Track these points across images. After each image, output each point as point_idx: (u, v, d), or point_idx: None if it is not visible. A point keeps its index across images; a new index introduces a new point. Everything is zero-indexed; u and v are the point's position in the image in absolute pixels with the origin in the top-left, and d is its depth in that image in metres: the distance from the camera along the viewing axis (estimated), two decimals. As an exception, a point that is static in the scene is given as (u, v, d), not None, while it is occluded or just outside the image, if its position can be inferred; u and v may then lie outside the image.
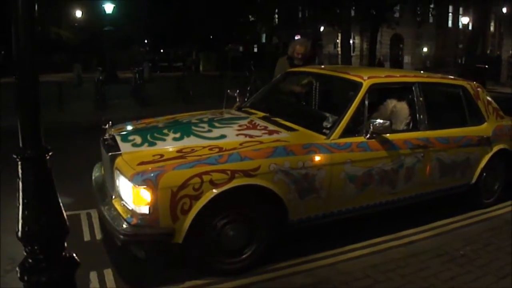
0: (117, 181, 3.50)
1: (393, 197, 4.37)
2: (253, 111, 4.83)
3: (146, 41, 38.81)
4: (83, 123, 10.35)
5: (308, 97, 5.16)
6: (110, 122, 4.26)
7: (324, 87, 4.99)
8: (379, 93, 4.89)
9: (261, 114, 4.65)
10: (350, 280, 3.48)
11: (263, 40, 42.40)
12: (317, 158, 3.77)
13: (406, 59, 35.19)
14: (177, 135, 3.95)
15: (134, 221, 3.24)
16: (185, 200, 3.23)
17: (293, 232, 3.88)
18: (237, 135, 3.90)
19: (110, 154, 3.70)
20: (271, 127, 4.15)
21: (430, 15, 35.55)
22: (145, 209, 3.20)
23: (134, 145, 3.80)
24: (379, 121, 3.97)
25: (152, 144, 3.78)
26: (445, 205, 5.12)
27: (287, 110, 4.80)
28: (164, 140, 3.86)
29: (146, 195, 3.17)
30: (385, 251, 4.01)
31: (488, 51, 35.98)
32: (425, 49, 37.00)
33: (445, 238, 4.32)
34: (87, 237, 4.31)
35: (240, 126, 4.17)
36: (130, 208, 3.32)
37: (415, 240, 4.27)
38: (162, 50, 37.24)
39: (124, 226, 3.25)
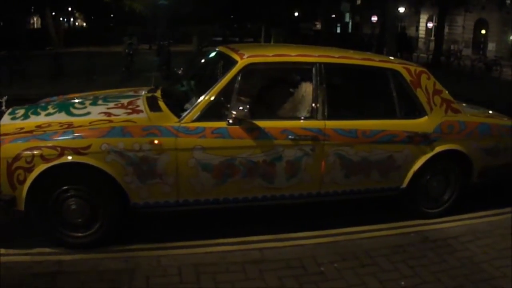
0: None
1: (275, 193, 3.82)
2: (157, 90, 4.57)
3: (231, 16, 38.89)
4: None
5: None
6: (6, 97, 4.43)
7: (222, 66, 4.44)
8: (294, 74, 4.25)
9: (155, 94, 4.37)
10: (154, 275, 3.18)
11: (346, 20, 40.83)
12: (157, 141, 3.46)
13: (490, 46, 31.19)
14: (53, 111, 4.00)
15: None
16: (19, 171, 3.34)
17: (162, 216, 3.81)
18: (100, 113, 3.81)
19: None
20: (141, 107, 3.94)
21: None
22: None
23: (13, 118, 3.92)
24: (237, 105, 3.47)
25: (26, 118, 3.89)
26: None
27: (177, 91, 4.45)
28: (39, 115, 3.92)
29: None
30: (232, 252, 3.54)
31: None
32: (512, 37, 32.21)
33: (326, 248, 3.68)
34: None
35: (115, 104, 4.06)
36: None
37: (290, 245, 3.70)
38: (235, 25, 37.28)
39: None
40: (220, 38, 30.83)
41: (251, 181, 3.68)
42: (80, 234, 3.54)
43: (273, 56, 3.89)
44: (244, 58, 3.73)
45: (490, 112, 5.05)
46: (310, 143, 3.72)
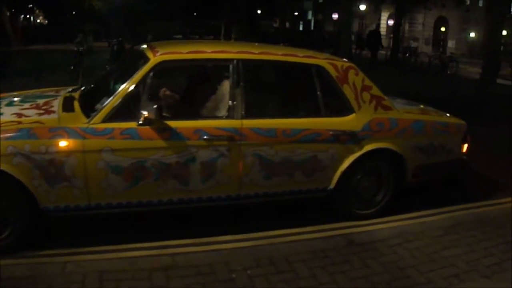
0: None
1: (191, 196, 3.65)
2: (79, 89, 4.36)
3: (194, 13, 38.30)
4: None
5: None
6: None
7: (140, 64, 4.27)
8: (211, 72, 4.09)
9: (73, 93, 4.15)
10: (57, 282, 2.99)
11: (309, 17, 41.09)
12: (63, 143, 3.30)
13: (450, 43, 31.91)
14: None
15: None
16: None
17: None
18: (12, 114, 3.62)
19: None
20: (55, 108, 3.74)
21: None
22: None
23: None
24: (148, 104, 3.33)
25: None
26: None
27: (96, 90, 4.22)
28: None
29: None
30: (143, 258, 3.33)
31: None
32: (472, 34, 32.70)
33: (243, 254, 3.49)
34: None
35: (30, 105, 3.86)
36: None
37: (205, 250, 3.50)
38: (196, 23, 36.73)
39: None
40: (180, 36, 30.41)
41: (165, 183, 3.51)
42: None
43: (187, 53, 3.71)
44: (157, 55, 3.56)
45: (428, 108, 4.96)
46: (226, 143, 3.56)
